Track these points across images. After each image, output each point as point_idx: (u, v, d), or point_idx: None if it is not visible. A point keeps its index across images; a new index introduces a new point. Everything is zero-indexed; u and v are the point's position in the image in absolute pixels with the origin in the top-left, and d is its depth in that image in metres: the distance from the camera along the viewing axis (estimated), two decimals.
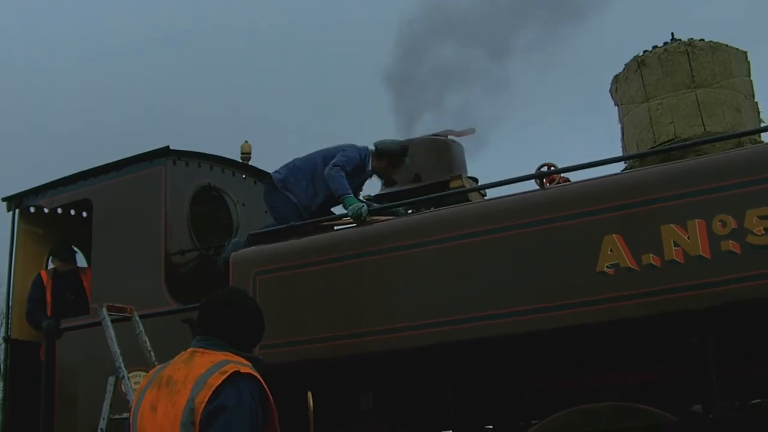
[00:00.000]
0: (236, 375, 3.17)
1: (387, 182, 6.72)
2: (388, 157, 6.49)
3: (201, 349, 3.36)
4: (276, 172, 6.49)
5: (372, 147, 6.51)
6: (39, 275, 7.50)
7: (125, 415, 4.78)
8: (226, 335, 3.43)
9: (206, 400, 3.08)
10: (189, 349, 3.41)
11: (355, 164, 6.29)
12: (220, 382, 3.12)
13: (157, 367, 3.53)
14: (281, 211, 6.31)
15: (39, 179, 7.68)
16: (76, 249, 7.97)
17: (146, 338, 5.98)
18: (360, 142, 6.54)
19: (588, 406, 4.71)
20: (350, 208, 5.78)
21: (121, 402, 5.84)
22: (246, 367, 3.22)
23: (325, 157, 6.36)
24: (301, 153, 6.57)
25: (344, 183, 6.07)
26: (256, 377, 3.24)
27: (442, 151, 6.95)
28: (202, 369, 3.20)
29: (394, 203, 6.27)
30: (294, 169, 6.44)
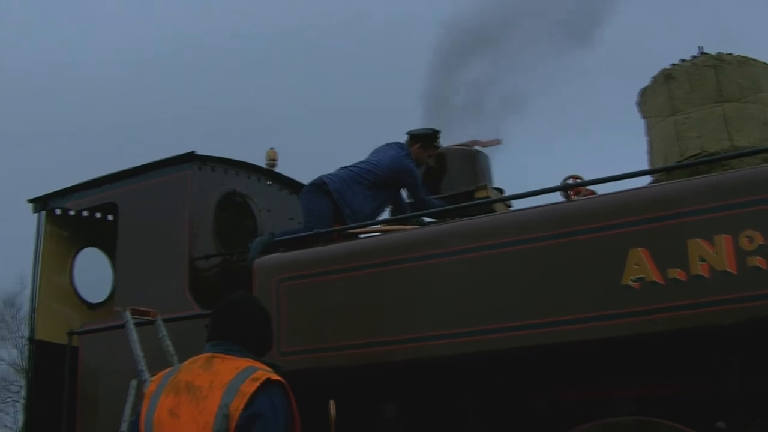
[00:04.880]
0: (268, 382, 3.18)
1: (419, 165, 6.79)
2: (421, 141, 6.72)
3: (221, 355, 3.35)
4: (330, 178, 6.47)
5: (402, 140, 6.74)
6: None
7: None
8: (243, 339, 3.42)
9: (242, 407, 3.09)
10: (204, 354, 3.40)
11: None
12: (253, 389, 3.14)
13: (164, 372, 3.50)
14: (320, 215, 6.31)
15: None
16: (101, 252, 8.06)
17: (169, 342, 6.00)
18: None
19: (609, 420, 4.67)
20: None
21: None
22: (274, 374, 3.24)
23: (390, 170, 6.55)
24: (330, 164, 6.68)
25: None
26: (284, 384, 3.26)
27: (468, 161, 6.96)
28: (228, 375, 3.20)
29: (417, 213, 6.28)
30: (351, 181, 6.47)
